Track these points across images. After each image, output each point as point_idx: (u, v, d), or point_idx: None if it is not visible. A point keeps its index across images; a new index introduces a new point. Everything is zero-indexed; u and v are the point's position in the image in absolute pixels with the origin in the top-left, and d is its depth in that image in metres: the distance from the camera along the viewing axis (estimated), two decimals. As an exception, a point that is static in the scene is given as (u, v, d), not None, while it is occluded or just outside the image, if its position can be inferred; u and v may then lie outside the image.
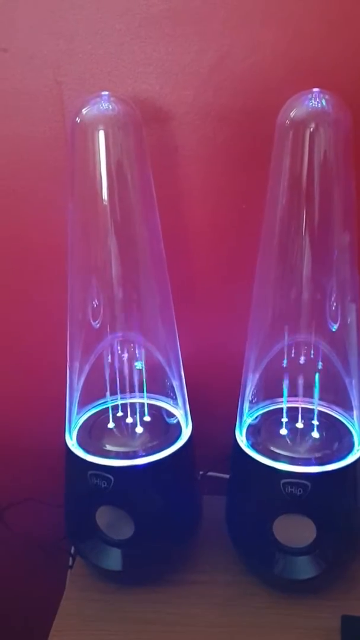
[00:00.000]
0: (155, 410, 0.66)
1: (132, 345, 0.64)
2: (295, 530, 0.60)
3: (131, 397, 0.66)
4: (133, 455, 0.61)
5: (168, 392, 0.67)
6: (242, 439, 0.63)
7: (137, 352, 0.64)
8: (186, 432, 0.64)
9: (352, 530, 0.62)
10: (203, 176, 0.67)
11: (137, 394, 0.66)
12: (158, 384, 0.66)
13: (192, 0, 0.61)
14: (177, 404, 0.67)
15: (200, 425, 0.67)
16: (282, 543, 0.61)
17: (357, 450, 0.61)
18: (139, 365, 0.64)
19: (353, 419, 0.63)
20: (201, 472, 0.72)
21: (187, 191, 0.68)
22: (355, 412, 0.63)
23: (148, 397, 0.66)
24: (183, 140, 0.66)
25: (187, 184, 0.68)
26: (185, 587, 0.65)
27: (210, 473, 0.73)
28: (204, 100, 0.64)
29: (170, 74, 0.64)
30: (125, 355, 0.64)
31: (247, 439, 0.63)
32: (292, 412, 0.64)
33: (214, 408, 0.69)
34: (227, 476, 0.67)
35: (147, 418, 0.65)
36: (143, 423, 0.65)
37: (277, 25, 0.61)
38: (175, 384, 0.66)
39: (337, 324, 0.61)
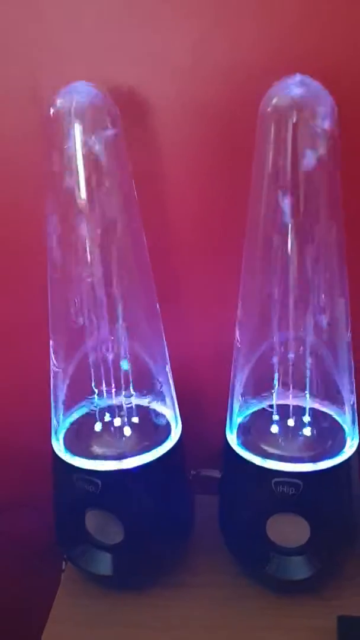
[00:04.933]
0: (143, 411, 0.65)
1: (117, 344, 0.62)
2: (288, 530, 0.59)
3: (118, 398, 0.64)
4: (121, 457, 0.60)
5: (156, 392, 0.65)
6: (232, 439, 0.61)
7: (122, 351, 0.62)
8: (176, 433, 0.63)
9: (347, 528, 0.60)
10: (185, 170, 0.66)
11: (123, 394, 0.64)
12: (146, 383, 0.64)
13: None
14: (165, 403, 0.65)
15: (191, 425, 0.65)
16: (276, 543, 0.60)
17: (350, 447, 0.59)
18: (125, 365, 0.63)
19: (345, 414, 0.62)
20: (193, 472, 0.70)
21: (169, 185, 0.67)
22: (346, 408, 0.62)
23: (135, 398, 0.65)
24: (165, 134, 0.64)
25: (170, 178, 0.66)
26: (180, 589, 0.64)
27: (202, 472, 0.72)
28: (186, 92, 0.63)
29: (150, 66, 0.62)
30: (111, 355, 0.62)
31: (238, 438, 0.61)
32: (284, 410, 0.62)
33: (203, 407, 0.68)
34: (219, 474, 0.66)
35: (135, 419, 0.64)
36: (131, 424, 0.63)
37: (255, 14, 0.59)
38: (163, 383, 0.64)
39: (327, 319, 0.59)
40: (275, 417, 0.62)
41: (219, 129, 0.63)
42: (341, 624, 0.57)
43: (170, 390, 0.65)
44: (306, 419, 0.61)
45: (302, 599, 0.61)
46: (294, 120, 0.51)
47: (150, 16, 0.61)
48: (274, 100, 0.51)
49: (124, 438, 0.62)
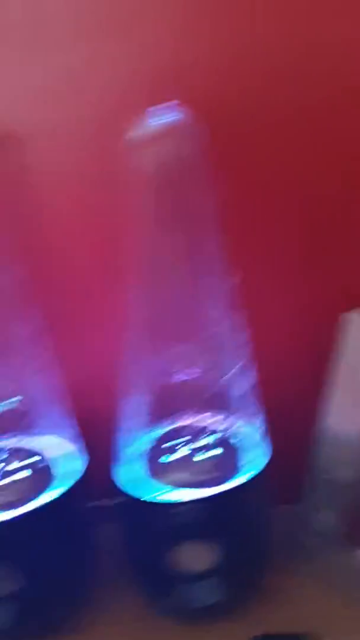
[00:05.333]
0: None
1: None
2: (192, 557, 0.58)
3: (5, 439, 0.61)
4: (19, 504, 0.56)
5: (55, 428, 0.63)
6: (124, 476, 0.60)
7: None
8: (79, 468, 0.60)
9: (253, 547, 0.60)
10: (60, 195, 0.65)
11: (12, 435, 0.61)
12: (43, 420, 0.62)
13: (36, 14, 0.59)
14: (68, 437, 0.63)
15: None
16: (181, 571, 0.58)
17: (255, 463, 0.59)
18: (11, 404, 0.60)
19: (253, 430, 0.62)
20: (95, 503, 0.68)
21: (45, 209, 0.65)
22: (254, 423, 0.61)
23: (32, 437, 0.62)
24: (36, 161, 0.63)
25: (45, 203, 0.65)
26: (90, 631, 0.61)
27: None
28: (51, 119, 0.61)
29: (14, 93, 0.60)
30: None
31: (135, 469, 0.60)
32: (183, 433, 0.61)
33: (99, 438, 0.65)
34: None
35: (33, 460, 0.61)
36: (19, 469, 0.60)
37: (121, 38, 0.59)
38: (62, 418, 0.62)
39: (216, 330, 0.59)
40: (171, 443, 0.61)
41: (90, 156, 0.63)
42: (254, 645, 0.57)
43: (71, 424, 0.62)
44: (204, 441, 0.61)
45: (215, 623, 0.60)
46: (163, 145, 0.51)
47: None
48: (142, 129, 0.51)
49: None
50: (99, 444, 0.63)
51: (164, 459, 0.60)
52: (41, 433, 0.63)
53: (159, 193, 0.53)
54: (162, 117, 0.51)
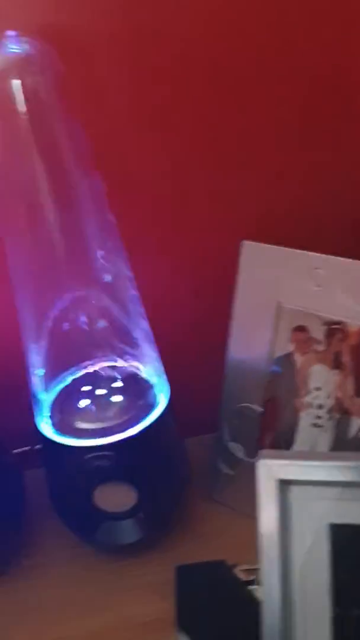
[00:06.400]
0: None
1: None
2: (116, 497, 0.59)
3: None
4: None
5: None
6: (42, 423, 0.59)
7: None
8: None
9: (171, 483, 0.61)
10: None
11: None
12: None
13: None
14: None
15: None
16: (105, 511, 0.60)
17: (159, 404, 0.59)
18: None
19: (152, 370, 0.61)
20: (16, 451, 0.68)
21: None
22: (150, 363, 0.60)
23: None
24: None
25: None
26: (23, 573, 0.63)
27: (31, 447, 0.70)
28: None
29: None
30: None
31: (50, 418, 0.59)
32: (90, 378, 0.60)
33: (10, 389, 0.64)
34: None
35: None
36: None
37: None
38: None
39: (110, 274, 0.57)
40: (84, 389, 0.60)
41: None
42: (179, 573, 0.59)
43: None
44: (114, 384, 0.60)
45: (143, 557, 0.62)
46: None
47: None
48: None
49: None
50: (12, 395, 0.62)
51: (74, 405, 0.59)
52: None
53: (21, 128, 0.48)
54: (13, 47, 0.45)
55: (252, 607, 0.55)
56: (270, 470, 0.42)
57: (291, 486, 0.43)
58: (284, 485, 0.43)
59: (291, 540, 0.44)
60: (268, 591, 0.44)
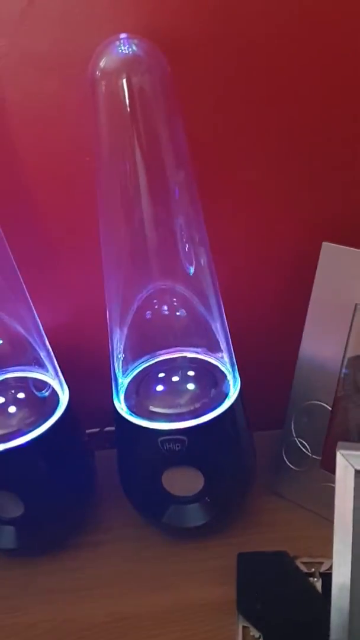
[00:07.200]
0: (23, 384, 0.64)
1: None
2: (183, 481, 0.61)
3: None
4: (11, 436, 0.59)
5: (36, 363, 0.64)
6: (120, 405, 0.61)
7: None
8: (64, 401, 0.63)
9: (237, 472, 0.63)
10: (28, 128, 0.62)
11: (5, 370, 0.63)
12: (22, 356, 0.63)
13: None
14: (49, 373, 0.64)
15: (79, 389, 0.65)
16: (173, 494, 0.62)
17: (232, 394, 0.60)
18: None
19: (225, 362, 0.63)
20: (89, 431, 0.71)
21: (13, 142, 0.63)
22: (225, 355, 0.62)
23: (16, 372, 0.64)
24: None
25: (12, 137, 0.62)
26: (89, 549, 0.65)
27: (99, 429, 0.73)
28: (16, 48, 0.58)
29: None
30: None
31: (126, 400, 0.62)
32: (167, 365, 0.63)
33: (91, 370, 0.67)
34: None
35: (21, 395, 0.63)
36: (15, 401, 0.63)
37: None
38: (42, 353, 0.63)
39: (193, 267, 0.59)
40: (160, 375, 0.62)
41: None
42: (240, 560, 0.61)
43: (51, 359, 0.63)
44: (190, 372, 0.62)
45: (207, 542, 0.64)
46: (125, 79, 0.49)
47: None
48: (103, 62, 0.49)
49: (10, 415, 0.61)
50: (90, 377, 0.65)
51: (150, 389, 0.62)
52: (24, 370, 0.64)
53: (128, 124, 0.51)
54: (125, 48, 0.48)
55: (314, 599, 0.56)
56: (348, 461, 0.43)
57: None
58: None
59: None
60: (339, 581, 0.45)
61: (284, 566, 0.59)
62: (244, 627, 0.56)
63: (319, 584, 0.57)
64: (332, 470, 0.44)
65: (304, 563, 0.59)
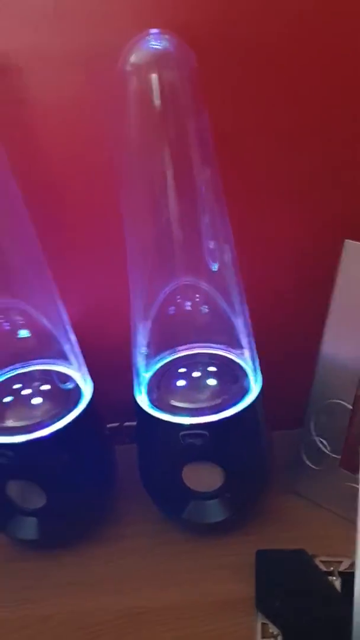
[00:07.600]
0: (48, 377, 0.65)
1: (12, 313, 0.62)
2: (203, 477, 0.61)
3: (22, 367, 0.64)
4: (34, 427, 0.60)
5: (62, 357, 0.65)
6: (141, 397, 0.62)
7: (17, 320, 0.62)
8: (87, 394, 0.63)
9: (257, 469, 0.63)
10: (57, 123, 0.63)
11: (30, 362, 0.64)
12: (47, 349, 0.64)
13: None
14: (73, 366, 0.65)
15: (102, 383, 0.66)
16: (193, 489, 0.62)
17: (253, 390, 0.61)
18: (23, 333, 0.62)
19: (246, 358, 0.63)
20: (109, 426, 0.71)
21: (42, 137, 0.63)
22: (247, 352, 0.63)
23: (41, 364, 0.65)
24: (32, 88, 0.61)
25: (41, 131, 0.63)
26: (108, 543, 0.66)
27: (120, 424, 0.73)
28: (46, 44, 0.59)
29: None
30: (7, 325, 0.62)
31: (147, 394, 0.62)
32: (188, 361, 0.63)
33: (113, 364, 0.67)
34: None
35: (45, 387, 0.64)
36: (40, 393, 0.63)
37: None
38: (67, 347, 0.64)
39: (217, 264, 0.59)
40: (181, 370, 0.63)
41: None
42: (259, 558, 0.61)
43: (75, 353, 0.64)
44: (211, 368, 0.63)
45: (226, 539, 0.64)
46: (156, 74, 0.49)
47: None
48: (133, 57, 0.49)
49: (35, 407, 0.62)
50: (112, 371, 0.66)
51: (171, 384, 0.62)
52: (48, 362, 0.65)
53: (157, 119, 0.51)
54: (155, 44, 0.49)
55: (333, 597, 0.56)
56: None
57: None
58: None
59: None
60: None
61: (302, 564, 0.59)
62: (263, 623, 0.56)
63: (338, 583, 0.57)
64: (352, 469, 0.44)
65: (322, 562, 0.59)
